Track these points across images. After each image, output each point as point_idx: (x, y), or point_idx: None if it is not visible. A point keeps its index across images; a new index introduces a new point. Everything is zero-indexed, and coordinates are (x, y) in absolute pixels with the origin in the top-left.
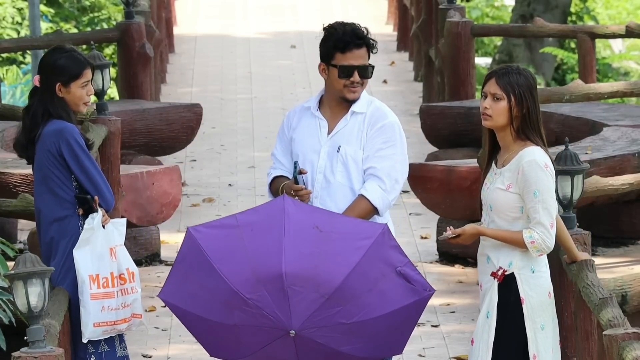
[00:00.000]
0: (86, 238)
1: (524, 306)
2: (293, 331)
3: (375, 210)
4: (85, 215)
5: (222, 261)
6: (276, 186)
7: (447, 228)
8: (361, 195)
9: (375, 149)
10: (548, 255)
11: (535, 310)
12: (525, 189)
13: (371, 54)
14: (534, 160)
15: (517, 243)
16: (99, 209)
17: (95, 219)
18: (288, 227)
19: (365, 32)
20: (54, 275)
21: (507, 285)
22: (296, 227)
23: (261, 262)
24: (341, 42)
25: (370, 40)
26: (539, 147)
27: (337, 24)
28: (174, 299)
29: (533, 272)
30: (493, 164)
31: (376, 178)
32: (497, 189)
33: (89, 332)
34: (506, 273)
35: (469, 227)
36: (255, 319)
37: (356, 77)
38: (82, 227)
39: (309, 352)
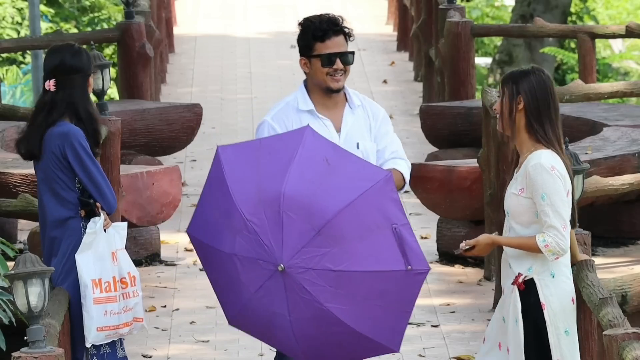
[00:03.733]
0: (88, 242)
1: (545, 311)
2: (282, 265)
3: (404, 184)
4: (87, 217)
5: (234, 180)
6: None
7: (463, 241)
8: (396, 170)
9: (389, 140)
10: None
11: (557, 316)
12: (534, 192)
13: (349, 41)
14: (539, 164)
15: (531, 249)
16: (101, 213)
17: (97, 223)
18: (300, 153)
19: (341, 20)
20: (55, 275)
21: (528, 290)
22: (307, 155)
23: (266, 182)
24: (319, 31)
25: (346, 29)
26: (549, 150)
27: (312, 16)
28: (196, 231)
29: (553, 276)
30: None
31: (401, 159)
32: (512, 194)
33: (93, 336)
34: (526, 278)
35: (483, 238)
36: (252, 248)
37: (339, 64)
38: (84, 229)
39: (299, 302)
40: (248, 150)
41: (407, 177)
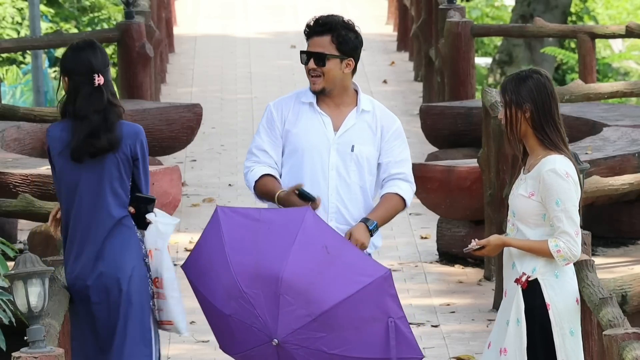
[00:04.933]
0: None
1: (550, 312)
2: (276, 340)
3: (404, 208)
4: (136, 215)
5: (233, 248)
6: (268, 189)
7: (472, 240)
8: (399, 195)
9: (396, 153)
10: None
11: (562, 316)
12: (547, 198)
13: (342, 44)
14: (554, 169)
15: (543, 253)
16: (155, 209)
17: (167, 217)
18: (300, 237)
19: (334, 22)
20: (127, 271)
21: (532, 291)
22: (307, 240)
23: (265, 260)
24: (307, 28)
25: (341, 31)
26: (562, 156)
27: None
28: (190, 273)
29: (557, 277)
30: (522, 170)
31: (406, 182)
32: (520, 195)
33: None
34: (530, 279)
35: (494, 238)
36: (247, 317)
37: (311, 64)
38: (135, 227)
39: None
40: (247, 219)
41: (409, 201)
